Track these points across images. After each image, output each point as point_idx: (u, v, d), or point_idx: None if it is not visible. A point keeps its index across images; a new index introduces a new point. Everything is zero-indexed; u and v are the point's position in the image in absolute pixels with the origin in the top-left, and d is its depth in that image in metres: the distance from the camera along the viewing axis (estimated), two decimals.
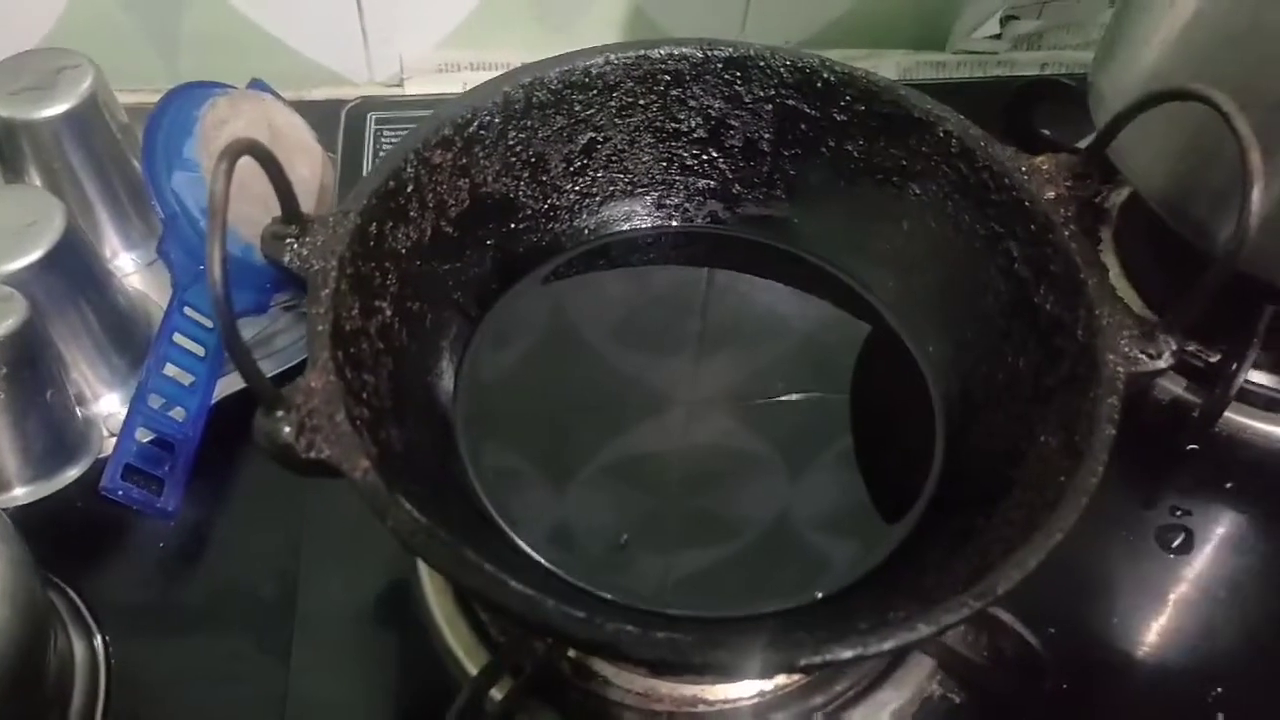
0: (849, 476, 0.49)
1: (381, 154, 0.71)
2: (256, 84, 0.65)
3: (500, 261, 0.52)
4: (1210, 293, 0.41)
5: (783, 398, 0.52)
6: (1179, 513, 0.56)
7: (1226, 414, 0.57)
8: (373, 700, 0.49)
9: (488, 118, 0.49)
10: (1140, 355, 0.41)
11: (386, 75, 0.78)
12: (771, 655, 0.34)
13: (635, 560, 0.46)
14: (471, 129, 0.48)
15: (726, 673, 0.41)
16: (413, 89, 0.78)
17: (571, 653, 0.47)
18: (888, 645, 0.34)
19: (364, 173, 0.68)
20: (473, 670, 0.46)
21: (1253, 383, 0.58)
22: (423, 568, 0.50)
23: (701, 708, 0.47)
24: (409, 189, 0.46)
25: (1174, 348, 0.42)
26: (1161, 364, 0.41)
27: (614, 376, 0.52)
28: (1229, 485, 0.57)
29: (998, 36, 0.81)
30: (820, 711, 0.47)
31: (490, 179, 0.50)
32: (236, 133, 0.58)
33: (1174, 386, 0.59)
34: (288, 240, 0.41)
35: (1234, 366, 0.57)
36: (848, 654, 0.34)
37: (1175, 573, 0.54)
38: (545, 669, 0.46)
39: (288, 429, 0.35)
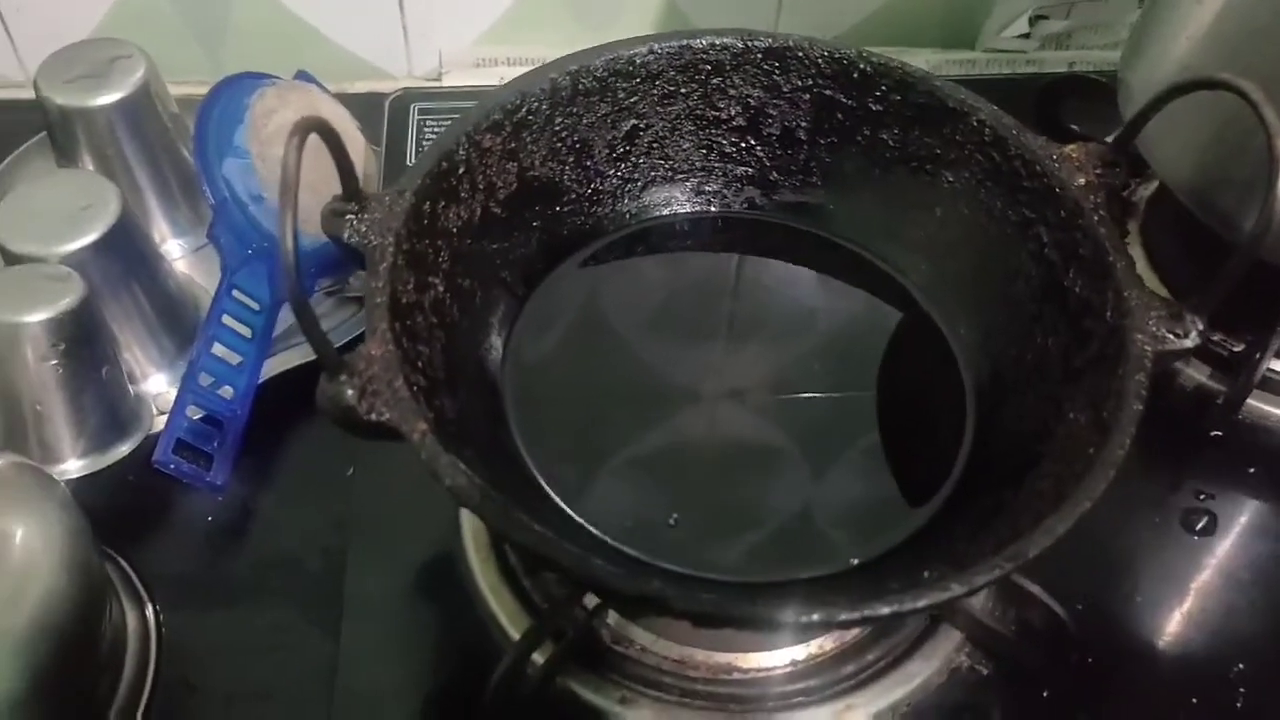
0: (883, 458, 0.50)
1: (425, 143, 0.72)
2: (302, 75, 0.66)
3: (545, 243, 0.53)
4: (1236, 277, 0.41)
5: (817, 380, 0.52)
6: (1203, 497, 0.57)
7: (1249, 401, 0.59)
8: (420, 666, 0.50)
9: (535, 104, 0.50)
10: (1168, 335, 0.42)
11: (425, 70, 0.79)
12: (811, 610, 0.35)
13: (675, 535, 0.46)
14: (520, 114, 0.49)
15: (768, 627, 0.42)
16: (450, 84, 0.79)
17: (611, 620, 0.48)
18: (923, 603, 0.35)
19: (408, 161, 0.70)
20: (516, 636, 0.47)
21: (1275, 371, 0.59)
22: (467, 539, 0.51)
23: (736, 675, 0.48)
24: (460, 170, 0.47)
25: (1200, 328, 0.42)
26: (1189, 343, 0.42)
27: (656, 359, 0.53)
28: (1252, 470, 0.58)
29: (1026, 36, 0.82)
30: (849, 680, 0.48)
31: (537, 163, 0.51)
32: (285, 122, 0.59)
33: (1198, 374, 0.60)
34: (347, 217, 0.42)
35: (1257, 355, 0.58)
36: (885, 610, 0.35)
37: (1199, 554, 0.55)
38: (586, 634, 0.47)
39: (350, 393, 0.37)
